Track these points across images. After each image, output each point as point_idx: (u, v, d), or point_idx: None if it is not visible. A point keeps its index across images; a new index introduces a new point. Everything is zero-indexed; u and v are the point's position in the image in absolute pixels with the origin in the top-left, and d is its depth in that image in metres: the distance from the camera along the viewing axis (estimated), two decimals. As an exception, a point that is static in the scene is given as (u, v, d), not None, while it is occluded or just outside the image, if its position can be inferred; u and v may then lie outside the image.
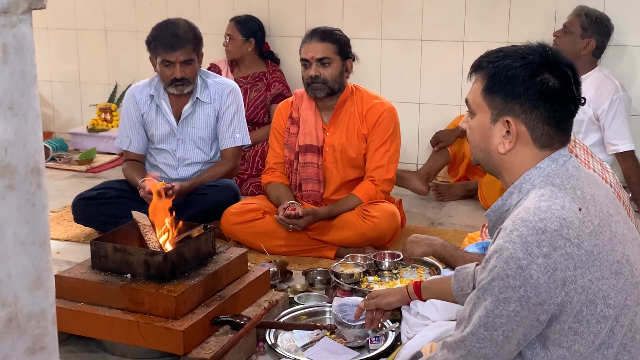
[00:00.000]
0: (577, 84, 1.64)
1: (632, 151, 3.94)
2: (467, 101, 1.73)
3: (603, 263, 1.53)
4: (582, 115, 3.94)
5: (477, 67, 1.70)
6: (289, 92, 4.65)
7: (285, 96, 4.50)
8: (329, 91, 3.40)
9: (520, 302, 1.50)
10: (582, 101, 1.65)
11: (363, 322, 2.45)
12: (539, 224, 1.51)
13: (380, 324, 2.47)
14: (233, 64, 4.78)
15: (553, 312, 1.52)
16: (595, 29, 3.98)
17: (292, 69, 4.67)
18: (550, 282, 1.49)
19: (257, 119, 4.60)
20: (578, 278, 1.51)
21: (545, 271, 1.49)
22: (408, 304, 2.32)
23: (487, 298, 1.54)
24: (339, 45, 3.40)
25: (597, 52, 4.01)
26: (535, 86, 1.60)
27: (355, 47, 3.51)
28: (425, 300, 2.26)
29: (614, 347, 1.54)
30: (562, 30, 4.01)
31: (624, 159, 3.96)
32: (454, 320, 2.17)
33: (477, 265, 2.03)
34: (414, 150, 4.85)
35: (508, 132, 1.63)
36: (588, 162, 2.72)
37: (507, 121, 1.63)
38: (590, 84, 3.96)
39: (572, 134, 2.74)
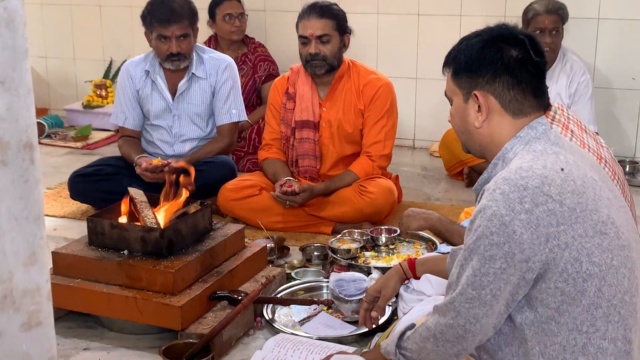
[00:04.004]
0: (535, 49, 1.70)
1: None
2: (445, 94, 1.81)
3: (586, 221, 1.55)
4: (559, 101, 3.94)
5: (446, 60, 1.80)
6: (276, 67, 4.59)
7: (274, 75, 4.45)
8: (328, 68, 3.39)
9: (506, 258, 1.53)
10: (544, 63, 1.72)
11: (360, 296, 2.46)
12: (520, 181, 1.55)
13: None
14: (215, 47, 4.52)
15: (539, 270, 1.54)
16: (566, 17, 3.94)
17: (290, 45, 4.64)
18: (533, 238, 1.52)
19: (250, 103, 4.53)
20: (561, 234, 1.53)
21: (528, 227, 1.51)
22: (406, 280, 2.33)
23: (473, 258, 1.57)
24: (337, 21, 3.38)
25: None
26: (492, 56, 1.68)
27: (352, 22, 3.49)
28: (418, 278, 2.26)
29: (603, 307, 1.55)
30: (554, 33, 3.87)
31: None
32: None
33: None
34: (411, 126, 4.84)
35: (480, 107, 1.70)
36: (582, 138, 2.72)
37: (475, 95, 1.70)
38: (562, 71, 3.95)
39: (565, 110, 2.76)
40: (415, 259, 2.28)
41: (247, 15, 4.61)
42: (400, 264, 2.28)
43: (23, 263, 0.87)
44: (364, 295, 2.31)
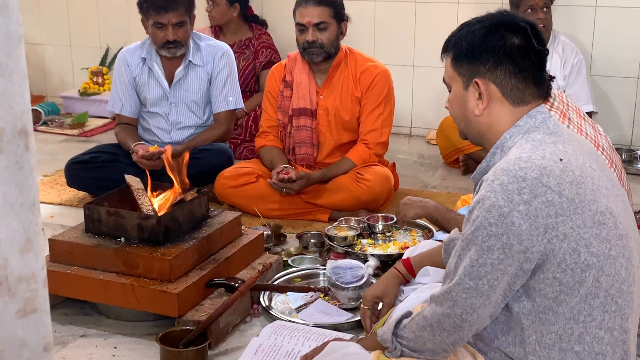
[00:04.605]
0: (537, 37, 1.69)
1: (590, 113, 3.97)
2: (444, 80, 1.79)
3: (585, 211, 1.55)
4: (555, 86, 3.95)
5: (445, 46, 1.78)
6: (277, 56, 4.58)
7: (274, 62, 4.44)
8: (325, 55, 3.38)
9: (504, 249, 1.52)
10: (546, 52, 1.71)
11: (357, 284, 2.46)
12: (519, 172, 1.54)
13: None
14: (217, 31, 4.63)
15: (537, 261, 1.54)
16: None
17: (285, 32, 4.62)
18: (532, 229, 1.51)
19: (248, 88, 4.54)
20: (559, 225, 1.52)
21: (526, 218, 1.51)
22: (406, 282, 2.30)
23: (471, 248, 1.56)
24: (334, 8, 3.37)
25: None
26: (494, 43, 1.67)
27: (349, 9, 3.48)
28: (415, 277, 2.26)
29: (600, 297, 1.56)
30: (545, 10, 3.92)
31: None
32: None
33: None
34: (408, 114, 4.83)
35: (480, 94, 1.69)
36: (580, 125, 2.72)
37: (476, 82, 1.68)
38: (555, 53, 3.97)
39: (565, 97, 2.76)
40: (409, 259, 2.26)
41: (215, 3, 4.47)
42: (395, 267, 2.26)
43: (18, 250, 0.87)
44: (362, 300, 2.25)
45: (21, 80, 0.86)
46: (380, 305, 2.23)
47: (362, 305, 2.24)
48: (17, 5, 0.84)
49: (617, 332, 1.58)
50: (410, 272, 2.25)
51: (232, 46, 4.53)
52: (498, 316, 1.63)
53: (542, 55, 1.70)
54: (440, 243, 2.38)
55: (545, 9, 3.91)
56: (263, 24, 4.74)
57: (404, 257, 2.39)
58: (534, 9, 3.88)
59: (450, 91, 1.78)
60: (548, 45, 3.99)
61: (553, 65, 3.98)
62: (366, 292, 2.26)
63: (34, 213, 0.88)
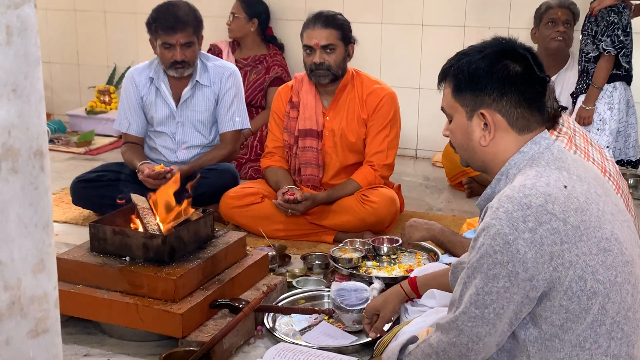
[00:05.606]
0: (538, 65, 1.70)
1: None
2: (442, 109, 1.80)
3: (590, 239, 1.55)
4: (570, 107, 3.96)
5: (443, 75, 1.79)
6: (288, 76, 4.62)
7: (283, 80, 4.47)
8: (332, 77, 3.39)
9: (509, 277, 1.52)
10: (548, 79, 1.72)
11: (361, 306, 2.45)
12: (524, 199, 1.54)
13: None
14: (235, 45, 4.76)
15: (543, 288, 1.53)
16: (577, 14, 4.02)
17: (294, 53, 4.65)
18: (537, 256, 1.51)
19: (255, 102, 4.59)
20: (565, 252, 1.52)
21: (532, 246, 1.51)
22: (409, 300, 2.31)
23: (476, 276, 1.56)
24: (342, 30, 3.39)
25: None
26: (498, 74, 1.67)
27: (356, 32, 3.50)
28: (421, 297, 2.26)
29: (606, 324, 1.55)
30: (565, 25, 3.96)
31: None
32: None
33: None
34: (414, 136, 4.84)
35: (486, 124, 1.69)
36: (587, 150, 2.72)
37: (482, 114, 1.68)
38: (572, 75, 4.00)
39: (572, 122, 2.77)
40: (415, 278, 2.27)
41: (235, 16, 4.64)
42: (400, 284, 2.27)
43: (31, 270, 0.87)
44: (365, 310, 2.32)
45: (38, 102, 0.86)
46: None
47: (363, 313, 2.34)
48: (35, 28, 0.85)
49: (623, 359, 1.57)
50: (414, 291, 2.25)
51: (246, 59, 4.63)
52: (504, 344, 1.63)
53: (544, 82, 1.70)
54: (447, 266, 2.38)
55: (566, 25, 3.95)
56: (281, 47, 4.80)
57: (411, 276, 2.40)
58: (555, 22, 3.93)
59: (449, 119, 1.78)
60: (566, 66, 4.02)
61: (570, 85, 3.99)
62: (369, 304, 2.33)
63: (47, 233, 0.88)
